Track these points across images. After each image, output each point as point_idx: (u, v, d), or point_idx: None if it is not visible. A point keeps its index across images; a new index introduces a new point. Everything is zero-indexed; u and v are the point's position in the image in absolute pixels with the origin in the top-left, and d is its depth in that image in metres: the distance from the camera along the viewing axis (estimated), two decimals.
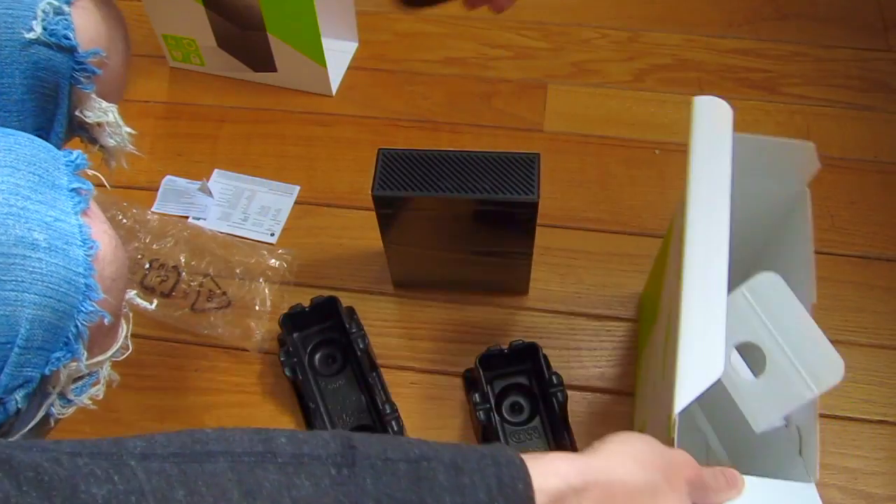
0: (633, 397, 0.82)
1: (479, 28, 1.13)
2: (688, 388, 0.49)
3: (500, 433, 0.77)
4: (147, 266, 0.91)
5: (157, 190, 0.98)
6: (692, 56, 1.09)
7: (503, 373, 0.80)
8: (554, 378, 0.77)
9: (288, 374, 0.78)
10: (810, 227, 0.62)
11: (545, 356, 0.79)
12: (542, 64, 1.09)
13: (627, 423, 0.80)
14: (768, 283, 0.58)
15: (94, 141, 0.57)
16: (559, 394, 0.75)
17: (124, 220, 0.94)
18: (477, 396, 0.75)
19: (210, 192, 0.96)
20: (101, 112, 0.54)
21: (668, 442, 0.50)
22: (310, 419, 0.78)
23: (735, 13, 1.14)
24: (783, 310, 0.57)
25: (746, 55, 1.09)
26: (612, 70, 1.08)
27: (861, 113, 1.03)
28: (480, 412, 0.74)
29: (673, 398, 0.49)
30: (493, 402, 0.76)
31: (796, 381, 0.54)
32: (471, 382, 0.82)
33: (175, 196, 0.97)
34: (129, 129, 0.57)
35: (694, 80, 1.07)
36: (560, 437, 0.76)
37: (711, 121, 0.60)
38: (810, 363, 0.54)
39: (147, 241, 0.93)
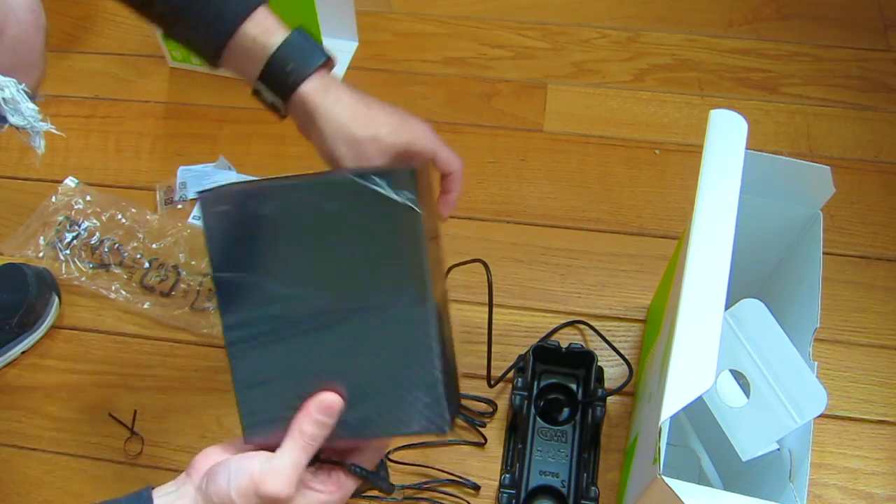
0: (634, 398, 0.82)
1: (479, 28, 1.13)
2: (676, 397, 0.49)
3: (530, 424, 0.77)
4: (147, 265, 0.91)
5: (155, 190, 0.98)
6: (692, 56, 1.09)
7: (555, 371, 0.81)
8: (599, 391, 0.77)
9: None
10: (821, 252, 0.62)
11: (600, 368, 0.80)
12: (542, 64, 1.09)
13: (627, 422, 0.80)
14: (751, 309, 0.58)
15: (3, 120, 0.54)
16: (599, 408, 0.76)
17: (124, 221, 0.94)
18: (519, 381, 0.76)
19: (230, 165, 0.97)
20: None
21: (655, 455, 0.50)
22: None
23: (735, 13, 1.14)
24: (766, 338, 0.57)
25: (746, 55, 1.09)
26: (612, 70, 1.08)
27: (861, 113, 1.03)
28: (517, 397, 0.75)
29: (661, 409, 0.49)
30: (534, 392, 0.77)
31: (779, 411, 0.55)
32: (520, 369, 0.82)
33: (196, 180, 0.98)
34: (32, 106, 0.51)
35: (694, 80, 1.07)
36: (584, 449, 0.76)
37: (725, 136, 0.59)
38: (793, 393, 0.55)
39: (147, 240, 0.93)
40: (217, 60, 0.63)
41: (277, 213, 0.46)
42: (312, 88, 0.61)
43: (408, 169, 0.45)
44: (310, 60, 0.62)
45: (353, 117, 0.60)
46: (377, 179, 0.44)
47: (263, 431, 0.48)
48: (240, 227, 0.47)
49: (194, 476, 0.48)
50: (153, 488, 0.47)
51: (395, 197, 0.44)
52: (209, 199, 0.47)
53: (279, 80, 0.61)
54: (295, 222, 0.46)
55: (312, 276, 0.46)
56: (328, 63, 0.64)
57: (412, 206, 0.44)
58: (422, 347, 0.46)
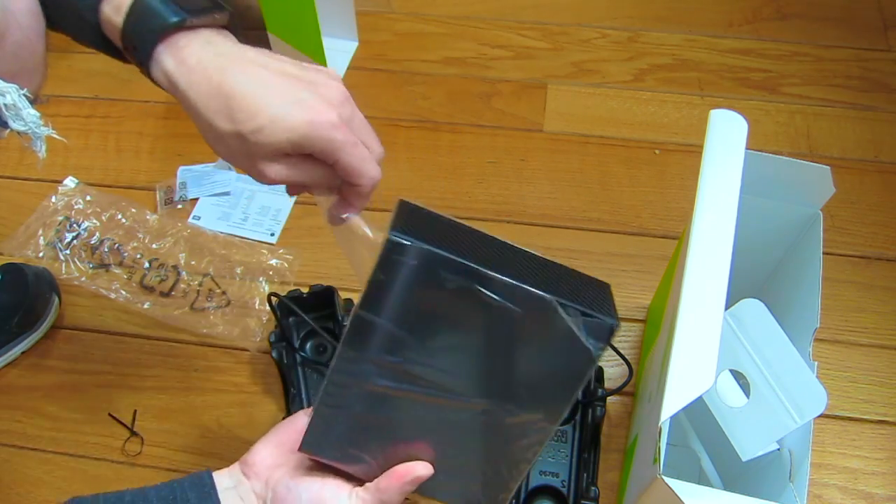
0: (634, 398, 0.82)
1: (479, 28, 1.13)
2: (676, 397, 0.49)
3: None
4: (147, 265, 0.91)
5: (155, 190, 0.98)
6: (692, 56, 1.09)
7: None
8: (599, 391, 0.77)
9: (274, 355, 0.78)
10: (821, 252, 0.62)
11: (600, 368, 0.80)
12: (542, 64, 1.09)
13: (627, 422, 0.80)
14: (751, 309, 0.58)
15: (4, 125, 0.51)
16: (599, 408, 0.75)
17: (124, 221, 0.94)
18: None
19: (230, 165, 0.98)
20: None
21: (655, 455, 0.50)
22: (289, 405, 0.78)
23: (735, 13, 1.14)
24: (766, 338, 0.57)
25: (746, 55, 1.09)
26: (612, 70, 1.08)
27: (861, 113, 1.03)
28: None
29: (661, 409, 0.49)
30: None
31: (779, 411, 0.55)
32: None
33: (196, 180, 0.98)
34: (33, 112, 0.50)
35: (694, 80, 1.07)
36: (584, 449, 0.76)
37: (725, 136, 0.59)
38: (793, 393, 0.55)
39: (147, 240, 0.93)
40: (120, 56, 0.52)
41: (460, 290, 0.41)
42: (162, 72, 0.48)
43: (611, 323, 0.42)
44: (146, 36, 0.47)
45: (209, 106, 0.46)
46: (578, 320, 0.42)
47: (319, 451, 0.48)
48: (413, 283, 0.42)
49: (254, 480, 0.48)
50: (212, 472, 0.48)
51: (584, 341, 0.42)
52: (401, 248, 0.40)
53: (141, 68, 0.49)
54: (471, 305, 0.42)
55: (458, 357, 0.44)
56: (187, 23, 0.47)
57: (593, 355, 0.42)
58: (518, 461, 0.47)
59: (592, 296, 0.43)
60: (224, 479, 0.48)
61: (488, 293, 0.41)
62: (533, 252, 0.44)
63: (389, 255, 0.41)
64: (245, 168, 0.48)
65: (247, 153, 0.46)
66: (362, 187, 0.48)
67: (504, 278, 0.41)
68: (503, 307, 0.41)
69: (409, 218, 0.42)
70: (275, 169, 0.47)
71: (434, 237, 0.41)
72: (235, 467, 0.50)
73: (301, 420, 0.51)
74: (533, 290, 0.41)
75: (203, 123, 0.47)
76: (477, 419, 0.46)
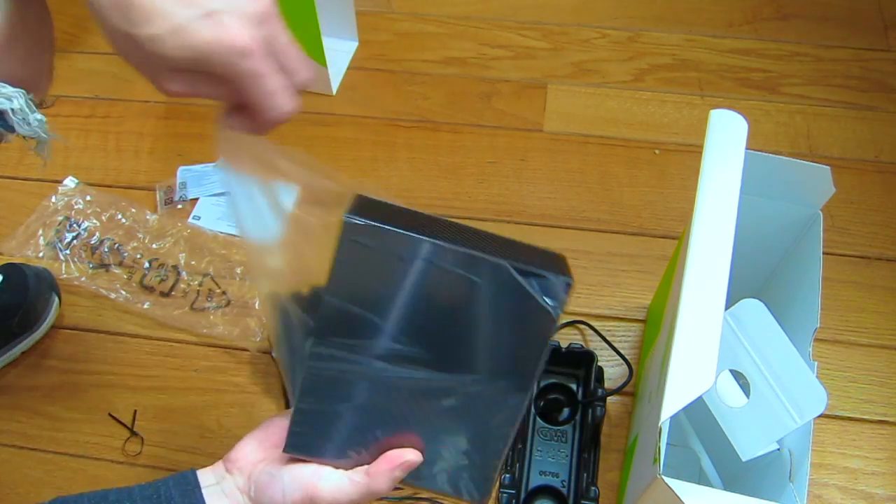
0: (634, 398, 0.82)
1: (479, 28, 1.13)
2: (676, 397, 0.49)
3: (530, 424, 0.78)
4: (147, 265, 0.91)
5: (155, 190, 0.98)
6: (692, 56, 1.09)
7: (555, 371, 0.81)
8: (599, 391, 0.77)
9: (274, 355, 0.78)
10: (821, 252, 0.62)
11: (600, 368, 0.80)
12: (542, 64, 1.09)
13: (627, 422, 0.80)
14: (751, 309, 0.58)
15: (11, 129, 0.51)
16: (599, 408, 0.75)
17: (124, 221, 0.94)
18: None
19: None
20: (5, 98, 0.48)
21: (655, 455, 0.50)
22: (289, 405, 0.79)
23: (735, 13, 1.14)
24: (766, 338, 0.57)
25: (746, 55, 1.09)
26: (612, 70, 1.08)
27: (861, 113, 1.03)
28: None
29: (661, 409, 0.49)
30: (534, 392, 0.78)
31: (779, 411, 0.55)
32: None
33: (196, 180, 0.98)
34: (39, 116, 0.50)
35: (694, 80, 1.07)
36: (584, 449, 0.76)
37: (725, 136, 0.59)
38: (793, 393, 0.55)
39: (147, 240, 0.93)
40: None
41: (418, 265, 0.43)
42: None
43: (565, 280, 0.43)
44: None
45: (110, 7, 0.39)
46: (532, 281, 0.43)
47: (304, 450, 0.48)
48: (374, 264, 0.43)
49: (237, 476, 0.49)
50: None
51: (541, 301, 0.43)
52: (356, 229, 0.42)
53: None
54: (431, 279, 0.43)
55: (426, 333, 0.45)
56: None
57: (553, 315, 0.44)
58: (499, 435, 0.47)
59: (546, 260, 0.45)
60: (208, 477, 0.49)
61: (446, 266, 0.43)
62: (486, 231, 0.46)
63: (347, 237, 0.42)
64: (143, 75, 0.42)
65: (143, 60, 0.41)
66: (267, 121, 0.44)
67: (459, 248, 0.42)
68: (462, 278, 0.43)
69: (362, 204, 0.44)
70: (174, 84, 0.42)
71: (388, 218, 0.43)
72: (219, 465, 0.50)
73: (281, 418, 0.51)
74: (487, 256, 0.43)
75: (97, 17, 0.40)
76: (453, 397, 0.46)
